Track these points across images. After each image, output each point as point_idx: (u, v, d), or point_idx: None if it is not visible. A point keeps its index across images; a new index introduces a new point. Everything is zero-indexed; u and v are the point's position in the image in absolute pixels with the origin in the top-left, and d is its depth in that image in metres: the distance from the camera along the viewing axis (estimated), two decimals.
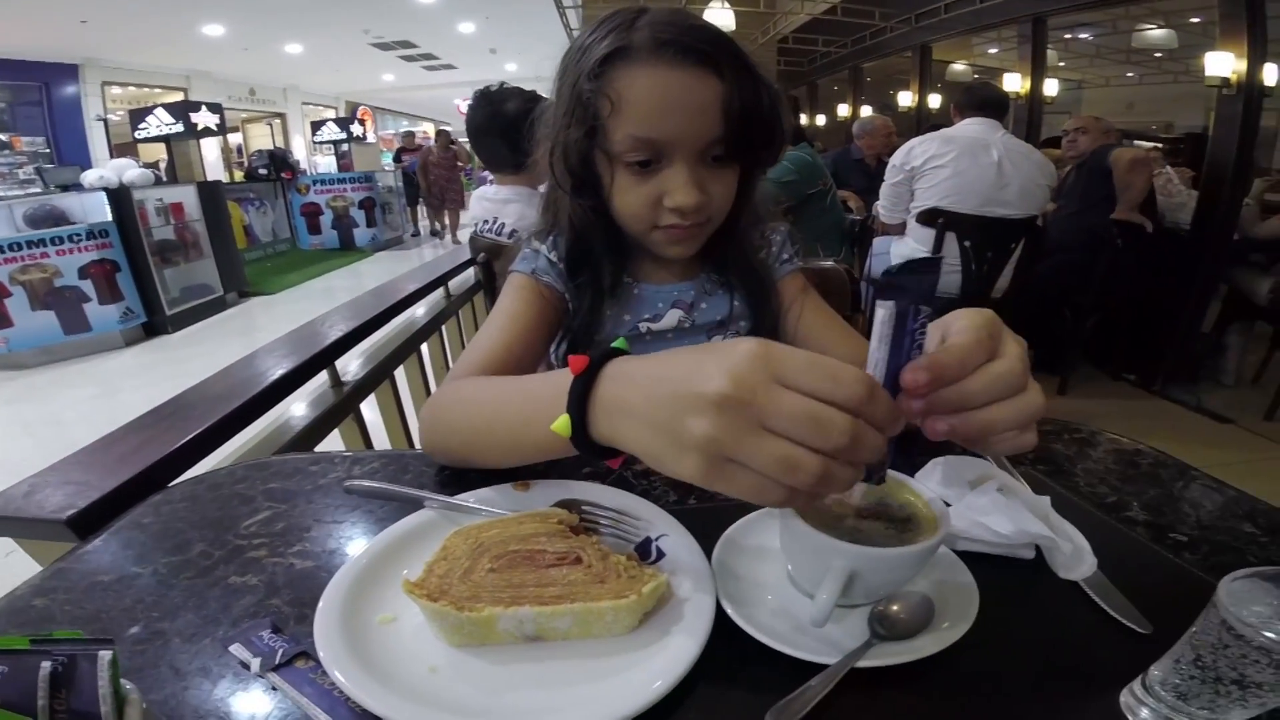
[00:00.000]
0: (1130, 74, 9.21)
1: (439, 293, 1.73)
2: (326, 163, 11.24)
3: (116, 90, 9.58)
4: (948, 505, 0.44)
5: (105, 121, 9.03)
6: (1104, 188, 2.75)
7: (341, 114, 13.14)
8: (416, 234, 9.41)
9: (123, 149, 8.16)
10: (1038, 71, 4.37)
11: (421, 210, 9.32)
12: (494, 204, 1.55)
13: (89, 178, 4.61)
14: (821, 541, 0.38)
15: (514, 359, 0.68)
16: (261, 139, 12.79)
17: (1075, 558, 0.45)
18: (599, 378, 0.40)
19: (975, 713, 0.36)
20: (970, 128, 2.44)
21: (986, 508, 0.48)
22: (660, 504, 0.52)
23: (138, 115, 7.40)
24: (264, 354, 1.02)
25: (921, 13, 5.31)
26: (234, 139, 11.79)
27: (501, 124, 1.46)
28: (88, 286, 4.15)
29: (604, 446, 0.40)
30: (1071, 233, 2.81)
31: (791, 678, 0.36)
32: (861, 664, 0.37)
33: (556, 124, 0.68)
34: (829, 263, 1.05)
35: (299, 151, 11.68)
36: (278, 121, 13.15)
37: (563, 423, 0.40)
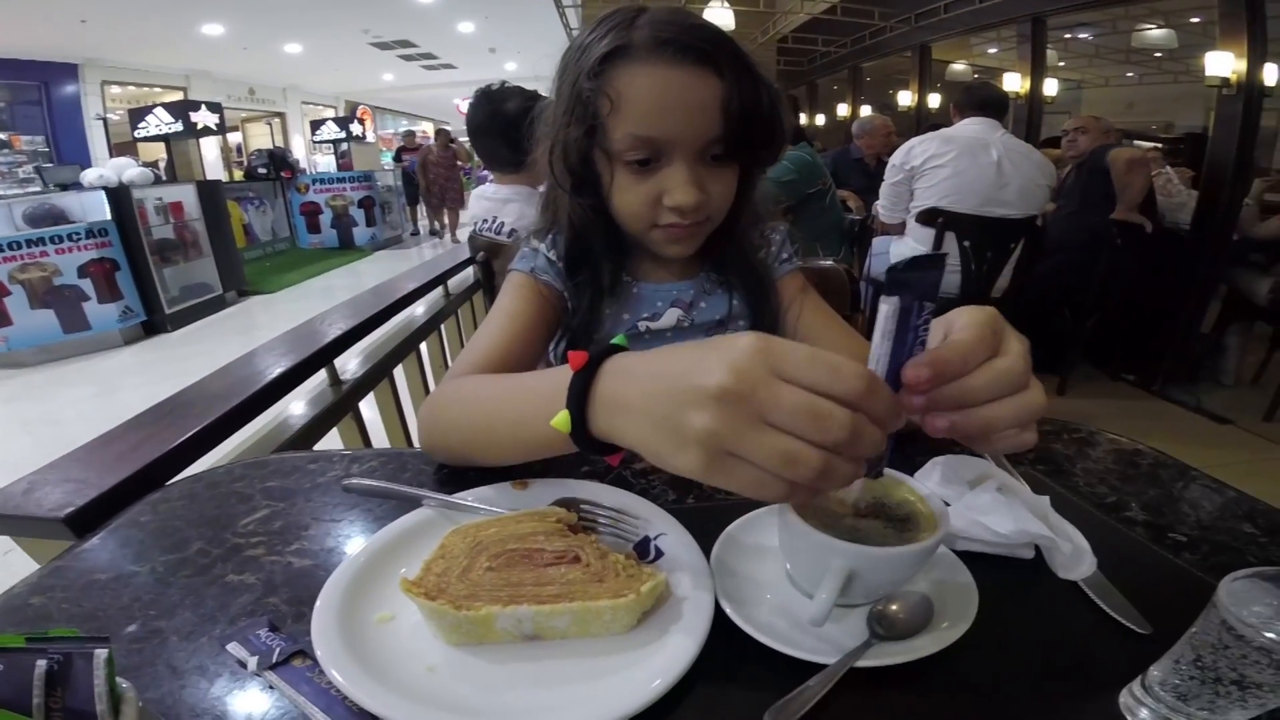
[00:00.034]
0: (1130, 74, 9.20)
1: (438, 292, 1.72)
2: (326, 162, 11.25)
3: (116, 89, 9.57)
4: (947, 505, 0.44)
5: (105, 121, 9.02)
6: (1103, 188, 2.75)
7: (341, 113, 13.13)
8: (416, 233, 9.41)
9: (122, 148, 8.14)
10: (1037, 71, 4.38)
11: (421, 209, 9.32)
12: (493, 203, 1.55)
13: (88, 177, 4.62)
14: (821, 541, 0.38)
15: (513, 357, 0.68)
16: (261, 138, 12.78)
17: (1075, 558, 0.45)
18: (599, 373, 0.40)
19: (975, 713, 0.36)
20: (970, 127, 2.44)
21: (986, 507, 0.48)
22: (659, 503, 0.52)
23: (137, 114, 7.40)
24: (263, 352, 1.02)
25: (921, 12, 5.31)
26: (233, 138, 11.78)
27: (501, 123, 1.45)
28: (87, 285, 4.15)
29: (604, 443, 0.40)
30: (1071, 233, 2.81)
31: (790, 677, 0.36)
32: (860, 664, 0.37)
33: (556, 123, 0.68)
34: (828, 262, 1.05)
35: (298, 151, 11.67)
36: (277, 121, 13.13)
37: (562, 418, 0.40)
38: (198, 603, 0.44)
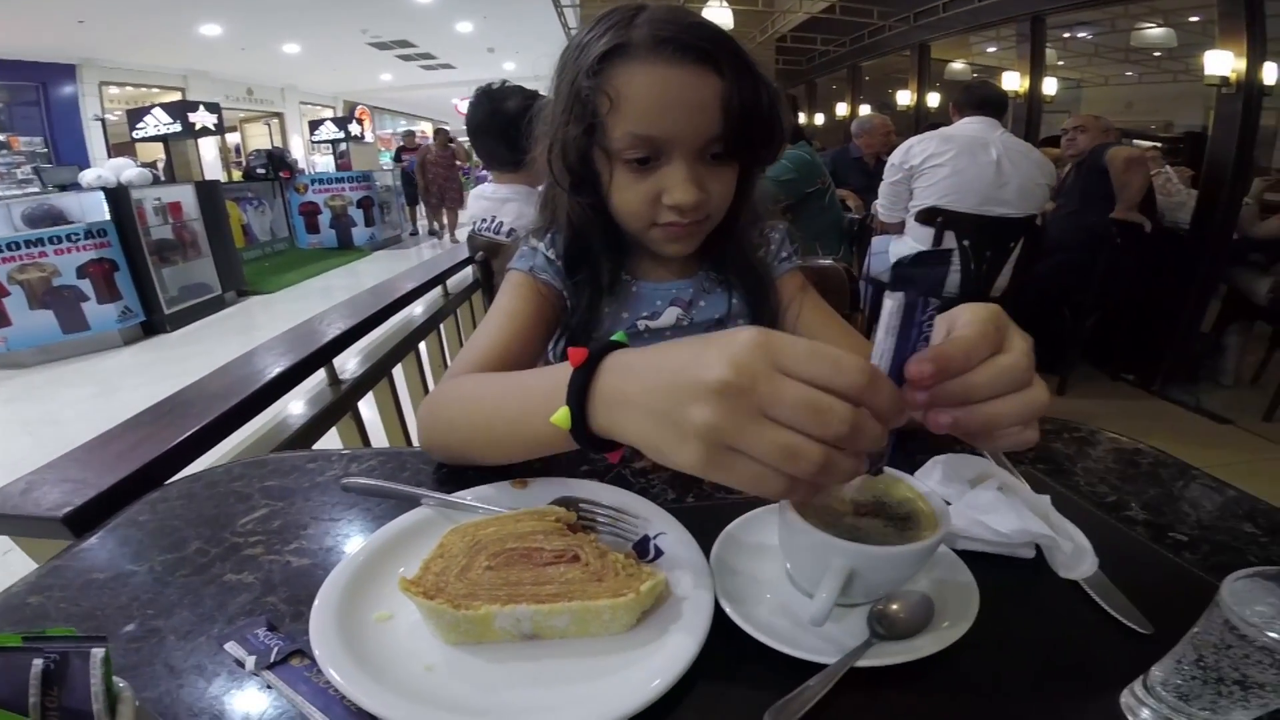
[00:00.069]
0: (1129, 73, 9.20)
1: (437, 291, 1.72)
2: (324, 162, 11.24)
3: (114, 90, 9.56)
4: (947, 504, 0.43)
5: (103, 121, 9.01)
6: (1103, 187, 2.75)
7: (339, 113, 13.12)
8: (415, 233, 9.41)
9: (120, 149, 8.14)
10: (1036, 70, 4.38)
11: (420, 209, 9.32)
12: (492, 202, 1.55)
13: (87, 177, 4.61)
14: (821, 540, 0.37)
15: (512, 356, 0.68)
16: (259, 138, 12.78)
17: (1076, 557, 0.45)
18: (598, 370, 0.40)
19: (975, 713, 0.36)
20: (969, 126, 2.44)
21: (987, 506, 0.48)
22: (658, 502, 0.52)
23: (135, 115, 7.38)
24: (262, 352, 1.02)
25: (920, 11, 5.31)
26: (232, 139, 11.78)
27: (501, 122, 1.45)
28: (86, 286, 4.15)
29: (604, 439, 0.40)
30: (1071, 232, 2.81)
31: (790, 677, 0.36)
32: (861, 663, 0.37)
33: (555, 121, 0.67)
34: (828, 261, 1.05)
35: (297, 151, 11.66)
36: (275, 121, 13.13)
37: (562, 415, 0.40)
38: (196, 602, 0.44)
